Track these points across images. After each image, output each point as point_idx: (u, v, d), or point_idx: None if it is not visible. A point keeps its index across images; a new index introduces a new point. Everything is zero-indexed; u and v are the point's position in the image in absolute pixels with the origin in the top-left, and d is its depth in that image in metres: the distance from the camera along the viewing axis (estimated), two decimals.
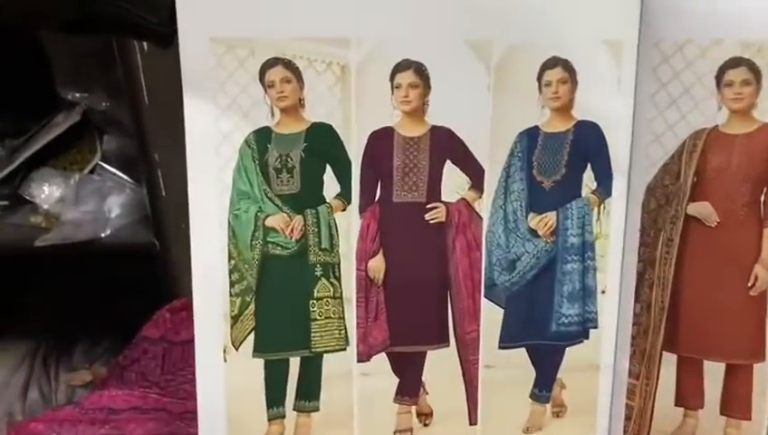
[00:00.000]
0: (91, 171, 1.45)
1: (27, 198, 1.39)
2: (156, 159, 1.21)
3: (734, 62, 0.77)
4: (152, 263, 1.27)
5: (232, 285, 0.80)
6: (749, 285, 0.80)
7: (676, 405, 0.85)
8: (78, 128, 1.47)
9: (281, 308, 0.82)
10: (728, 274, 0.81)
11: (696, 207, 0.81)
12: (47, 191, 1.38)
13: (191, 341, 0.80)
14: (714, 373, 0.83)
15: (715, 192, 0.80)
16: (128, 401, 1.12)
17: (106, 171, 1.46)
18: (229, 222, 0.79)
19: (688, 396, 0.85)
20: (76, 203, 1.41)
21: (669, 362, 0.84)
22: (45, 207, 1.37)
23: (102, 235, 1.35)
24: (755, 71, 0.76)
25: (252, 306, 0.80)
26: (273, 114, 0.78)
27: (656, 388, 0.85)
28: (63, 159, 1.48)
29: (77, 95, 1.47)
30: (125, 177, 1.44)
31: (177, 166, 0.78)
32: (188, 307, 0.85)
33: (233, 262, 0.79)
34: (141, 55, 1.15)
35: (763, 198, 0.79)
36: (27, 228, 1.35)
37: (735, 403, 0.83)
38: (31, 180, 1.40)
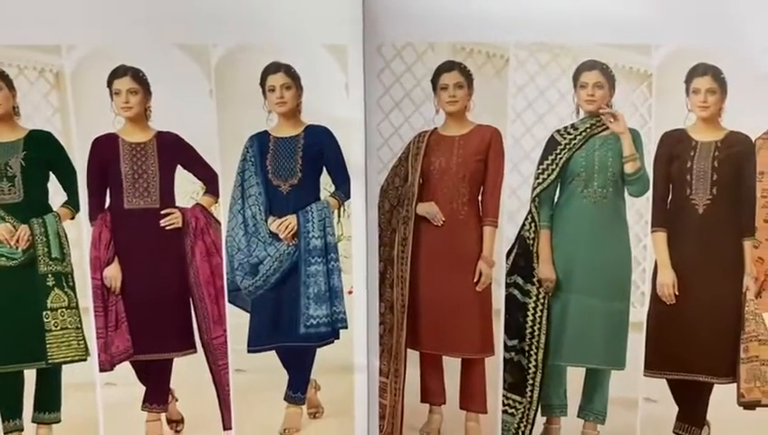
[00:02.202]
0: None
1: None
2: None
3: (448, 66, 0.76)
4: None
5: None
6: (474, 280, 0.79)
7: (422, 401, 0.84)
8: None
9: (11, 320, 0.77)
10: (456, 271, 0.80)
11: (424, 207, 0.80)
12: None
13: None
14: (452, 369, 0.82)
15: (439, 192, 0.80)
16: None
17: None
18: None
19: (432, 392, 0.84)
20: None
21: (414, 360, 0.83)
22: None
23: None
24: (467, 74, 0.76)
25: None
26: None
27: (404, 385, 0.83)
28: None
29: None
30: None
31: None
32: None
33: None
34: None
35: (480, 197, 0.79)
36: None
37: (472, 397, 0.82)
38: None
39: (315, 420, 0.86)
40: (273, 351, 0.84)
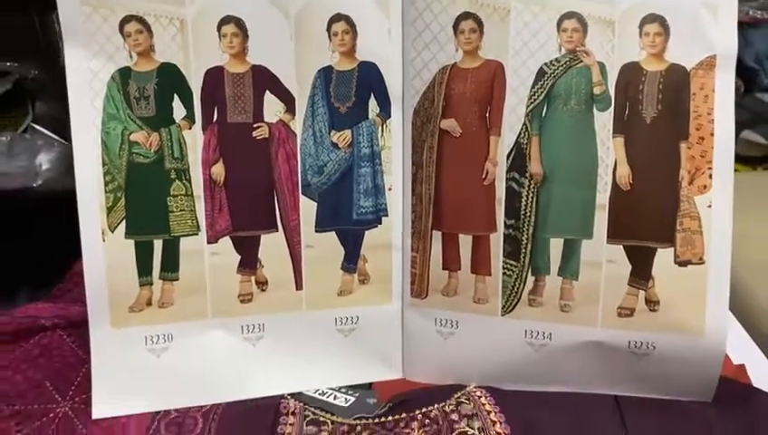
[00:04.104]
0: (24, 131, 1.63)
1: None
2: None
3: (465, 16, 1.00)
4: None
5: (106, 184, 1.00)
6: (483, 177, 1.04)
7: (443, 269, 1.09)
8: (11, 94, 1.64)
9: (145, 202, 1.03)
10: (470, 170, 1.05)
11: (446, 122, 1.05)
12: None
13: None
14: (465, 244, 1.08)
15: (457, 111, 1.05)
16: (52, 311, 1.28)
17: (37, 132, 1.63)
18: (102, 138, 0.99)
19: (450, 261, 1.09)
20: (8, 158, 1.58)
21: (437, 238, 1.08)
22: None
23: (34, 184, 1.53)
24: (479, 21, 1.00)
25: (122, 201, 1.01)
26: (131, 57, 0.99)
27: (429, 258, 1.09)
28: None
29: (8, 64, 1.64)
30: (54, 136, 1.61)
31: None
32: None
33: (106, 167, 1.00)
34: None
35: (487, 115, 1.03)
36: None
37: (480, 264, 1.07)
38: None
39: (363, 285, 1.11)
40: (334, 232, 1.10)
